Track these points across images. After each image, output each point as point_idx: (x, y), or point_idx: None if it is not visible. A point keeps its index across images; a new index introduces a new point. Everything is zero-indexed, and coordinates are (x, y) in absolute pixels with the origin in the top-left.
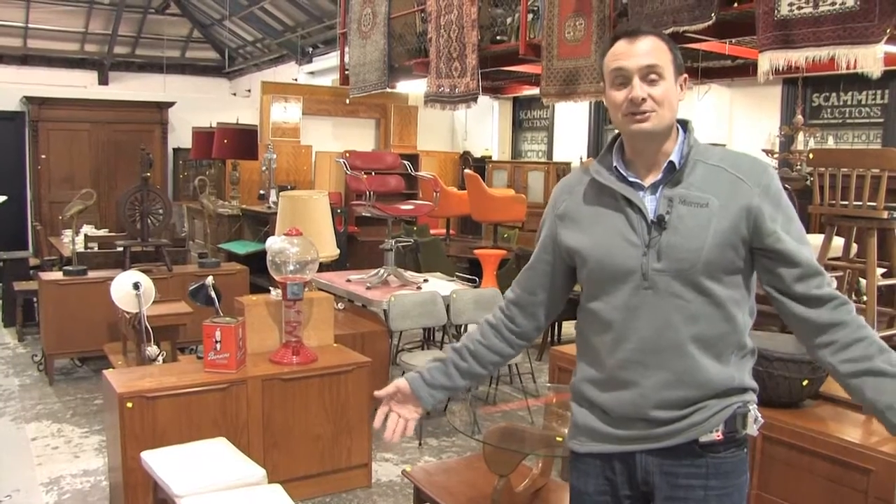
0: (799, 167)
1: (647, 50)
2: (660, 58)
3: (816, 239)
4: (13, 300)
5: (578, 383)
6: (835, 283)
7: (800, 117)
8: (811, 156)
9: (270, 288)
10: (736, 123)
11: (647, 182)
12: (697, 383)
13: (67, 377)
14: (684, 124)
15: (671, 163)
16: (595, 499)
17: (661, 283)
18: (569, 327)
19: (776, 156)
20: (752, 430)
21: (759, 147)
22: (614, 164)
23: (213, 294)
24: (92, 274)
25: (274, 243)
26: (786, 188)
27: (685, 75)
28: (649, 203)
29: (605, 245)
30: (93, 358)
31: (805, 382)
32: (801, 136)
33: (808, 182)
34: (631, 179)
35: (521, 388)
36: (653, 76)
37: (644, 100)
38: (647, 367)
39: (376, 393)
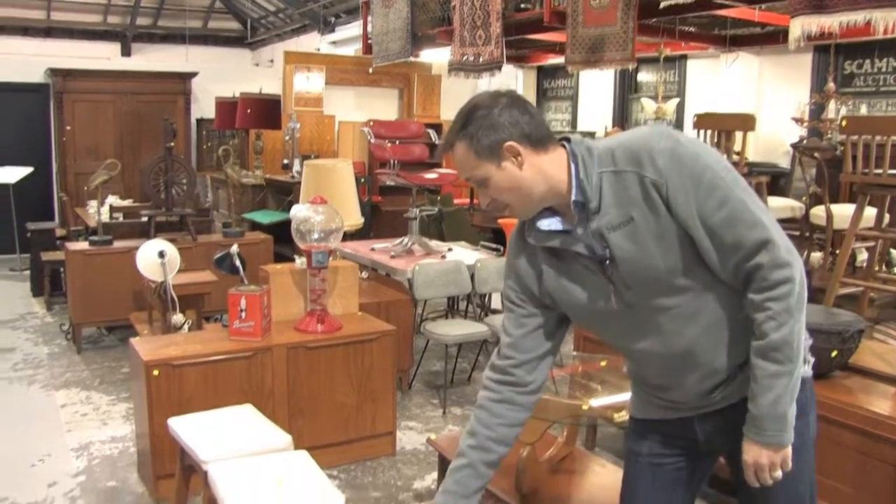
0: (829, 136)
1: (459, 163)
2: (468, 165)
3: (847, 209)
4: (41, 270)
5: (630, 372)
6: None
7: (831, 85)
8: (844, 123)
9: (295, 256)
10: (765, 92)
11: (574, 225)
12: (732, 361)
13: (95, 346)
14: (570, 144)
15: (576, 202)
16: (648, 459)
17: (643, 306)
18: None
19: (806, 124)
20: (805, 370)
21: (788, 116)
22: (538, 223)
23: (237, 262)
24: (117, 244)
25: (299, 212)
26: (814, 157)
27: (508, 143)
28: (588, 242)
29: (575, 297)
30: (119, 327)
31: (834, 353)
32: (832, 105)
33: (837, 152)
34: (558, 229)
35: None
36: (479, 183)
37: (489, 203)
38: (676, 375)
39: None
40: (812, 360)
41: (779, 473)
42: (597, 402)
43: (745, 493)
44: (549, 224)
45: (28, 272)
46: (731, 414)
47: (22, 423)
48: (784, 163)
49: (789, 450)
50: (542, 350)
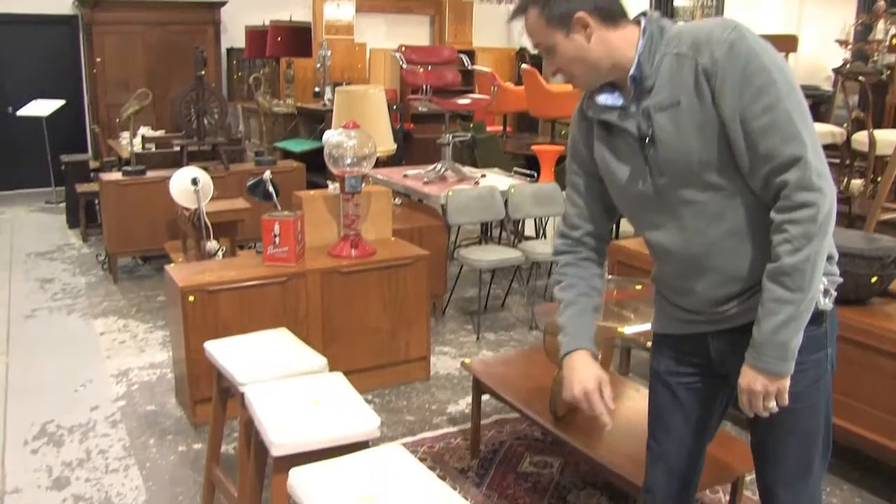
0: (876, 59)
1: (529, 29)
2: (538, 32)
3: (891, 134)
4: (76, 202)
5: (654, 279)
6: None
7: (881, 3)
8: (895, 42)
9: (328, 182)
10: (807, 12)
11: (629, 101)
12: (751, 275)
13: (130, 275)
14: (644, 20)
15: (632, 77)
16: (665, 378)
17: (671, 196)
18: (626, 224)
19: (850, 47)
20: (824, 304)
21: (832, 38)
22: (597, 97)
23: (271, 189)
24: (150, 174)
25: (331, 137)
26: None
27: (578, 14)
28: (637, 119)
29: (617, 176)
30: (154, 257)
31: (874, 280)
32: (881, 25)
33: (883, 76)
34: (615, 105)
35: None
36: (547, 51)
37: (555, 73)
38: (693, 275)
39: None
40: (835, 294)
41: (773, 404)
42: (630, 329)
43: (757, 426)
44: (608, 99)
45: (63, 205)
46: (743, 335)
47: (63, 351)
48: (825, 87)
49: (786, 382)
50: (602, 213)
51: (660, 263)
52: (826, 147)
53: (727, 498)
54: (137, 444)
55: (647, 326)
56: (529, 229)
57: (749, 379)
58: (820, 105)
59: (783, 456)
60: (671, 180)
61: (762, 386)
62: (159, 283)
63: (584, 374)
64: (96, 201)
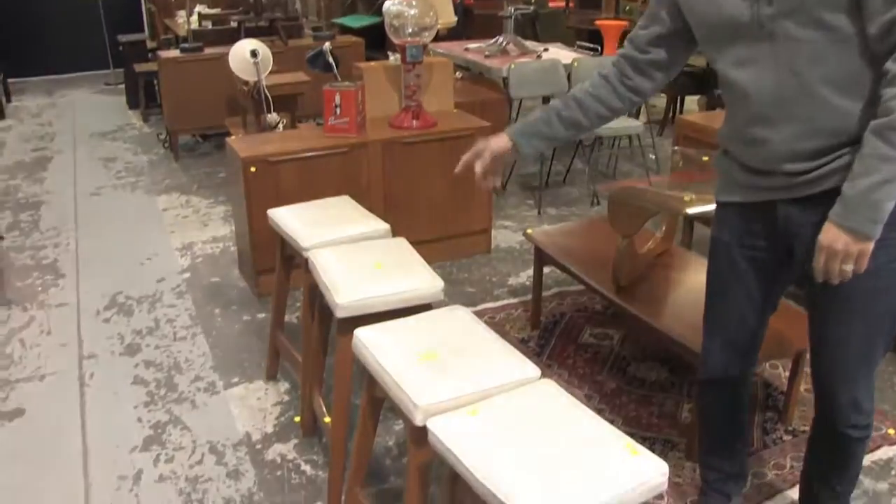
0: None
1: None
2: None
3: None
4: (135, 82)
5: (721, 136)
6: None
7: None
8: None
9: (389, 53)
10: None
11: None
12: (834, 130)
13: (191, 153)
14: None
15: None
16: (727, 248)
17: (776, 29)
18: (691, 103)
19: None
20: None
21: None
22: None
23: (330, 59)
24: (208, 50)
25: (392, 7)
26: None
27: None
28: None
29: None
30: (213, 135)
31: None
32: None
33: None
34: None
35: (643, 164)
36: None
37: None
38: (774, 122)
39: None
40: None
41: (849, 268)
42: (694, 209)
43: (819, 307)
44: None
45: (122, 86)
46: (816, 206)
47: (128, 226)
48: None
49: (870, 246)
50: (652, 55)
51: (733, 111)
52: None
53: (786, 374)
54: (203, 313)
55: (712, 207)
56: None
57: (831, 237)
58: None
59: (846, 342)
60: (779, 10)
61: (844, 245)
62: (219, 160)
63: (489, 142)
64: (155, 81)
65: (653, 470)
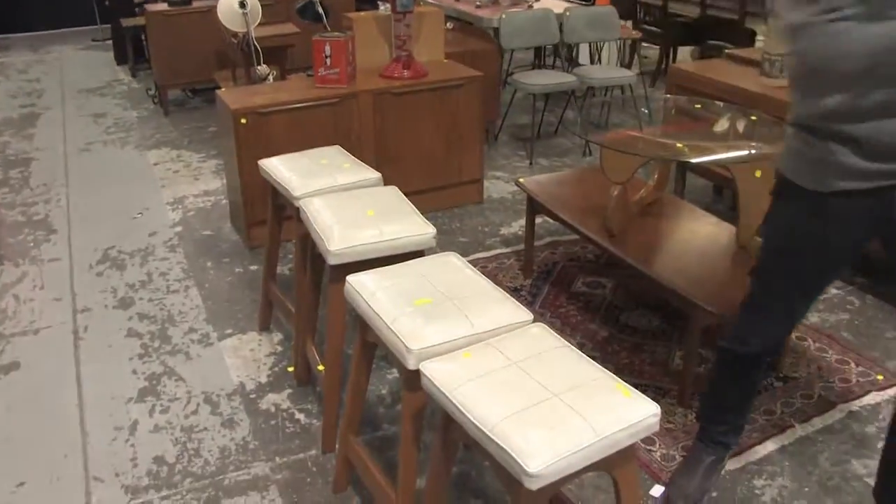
0: None
1: None
2: None
3: None
4: (122, 38)
5: (815, 120)
6: None
7: None
8: None
9: (378, 3)
10: None
11: None
12: None
13: (181, 108)
14: None
15: None
16: (827, 244)
17: None
18: (683, 54)
19: None
20: None
21: None
22: None
23: (320, 10)
24: (196, 3)
25: None
26: None
27: None
28: None
29: None
30: (203, 90)
31: None
32: None
33: None
34: None
35: (636, 115)
36: None
37: None
38: None
39: None
40: None
41: None
42: (697, 159)
43: None
44: None
45: (110, 42)
46: None
47: (119, 181)
48: None
49: None
50: None
51: (850, 77)
52: None
53: None
54: (196, 266)
55: (713, 157)
56: (584, 58)
57: None
58: None
59: None
60: None
61: None
62: (210, 114)
63: None
64: (143, 35)
65: (645, 411)
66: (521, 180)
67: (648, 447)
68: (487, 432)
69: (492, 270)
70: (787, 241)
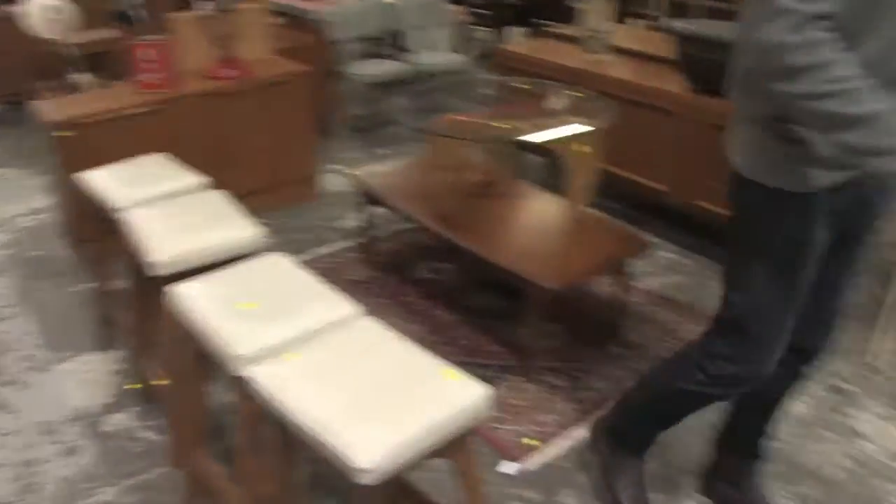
0: None
1: None
2: None
3: None
4: None
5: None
6: None
7: None
8: None
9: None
10: None
11: None
12: None
13: (2, 124)
14: None
15: None
16: (816, 245)
17: None
18: (518, 35)
19: None
20: None
21: None
22: None
23: (130, 12)
24: (5, 7)
25: None
26: None
27: None
28: None
29: None
30: (24, 102)
31: None
32: None
33: None
34: None
35: (472, 99)
36: None
37: None
38: None
39: None
40: None
41: None
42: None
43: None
44: None
45: None
46: None
47: None
48: None
49: None
50: None
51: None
52: None
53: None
54: (28, 288)
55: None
56: (418, 46)
57: None
58: None
59: None
60: None
61: None
62: (34, 128)
63: None
64: None
65: (475, 394)
66: (354, 172)
67: (497, 425)
68: (317, 432)
69: (335, 266)
70: (787, 254)
